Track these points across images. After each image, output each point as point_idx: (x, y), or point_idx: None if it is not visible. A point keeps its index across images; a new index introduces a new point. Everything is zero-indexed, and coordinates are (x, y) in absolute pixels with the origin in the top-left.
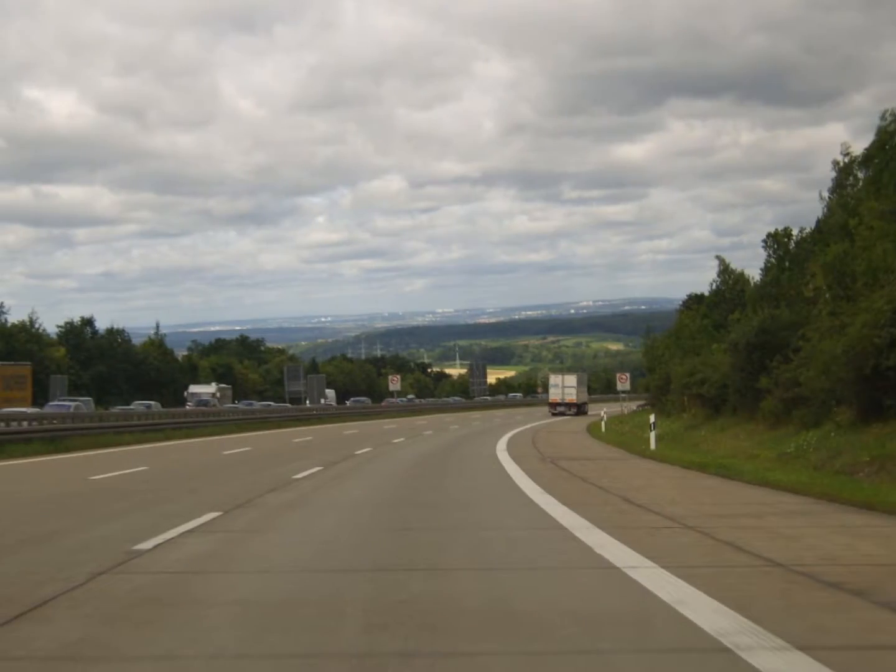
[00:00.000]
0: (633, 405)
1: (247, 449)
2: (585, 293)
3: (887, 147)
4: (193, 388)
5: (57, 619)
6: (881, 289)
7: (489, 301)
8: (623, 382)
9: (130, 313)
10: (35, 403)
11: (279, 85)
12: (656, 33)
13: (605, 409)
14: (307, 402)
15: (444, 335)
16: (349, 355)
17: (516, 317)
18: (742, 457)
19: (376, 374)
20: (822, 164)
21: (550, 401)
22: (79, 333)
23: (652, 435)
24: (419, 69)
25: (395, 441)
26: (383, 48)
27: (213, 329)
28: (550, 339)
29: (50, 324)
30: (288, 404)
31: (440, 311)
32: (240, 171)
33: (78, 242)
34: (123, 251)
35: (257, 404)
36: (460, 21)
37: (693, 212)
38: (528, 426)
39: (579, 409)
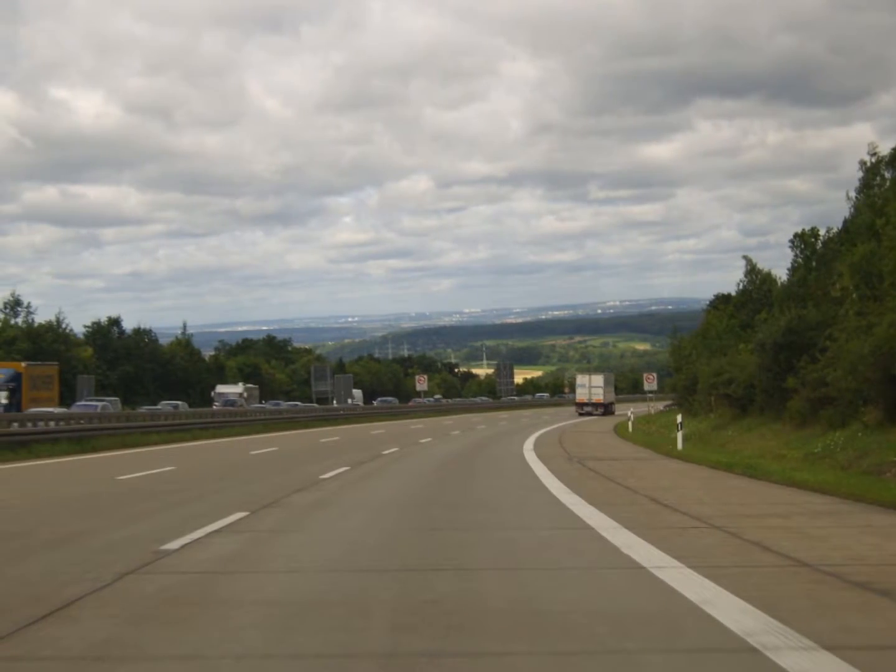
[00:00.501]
0: (660, 405)
1: (274, 449)
2: (612, 293)
3: None
4: (220, 388)
5: (84, 619)
6: None
7: (516, 301)
8: (650, 382)
9: (157, 313)
10: (62, 403)
11: (306, 85)
12: (683, 33)
13: (631, 409)
14: (334, 402)
15: (471, 335)
16: (376, 355)
17: (543, 317)
18: (769, 457)
19: (403, 374)
20: (849, 164)
21: (577, 401)
22: (106, 333)
23: (679, 435)
24: (446, 69)
25: (422, 441)
26: (410, 48)
27: (239, 329)
28: (577, 339)
29: (77, 324)
30: (315, 404)
31: (467, 311)
32: (267, 171)
33: (105, 242)
34: (150, 251)
35: (284, 404)
36: (487, 21)
37: (720, 212)
38: (555, 426)
39: (606, 409)
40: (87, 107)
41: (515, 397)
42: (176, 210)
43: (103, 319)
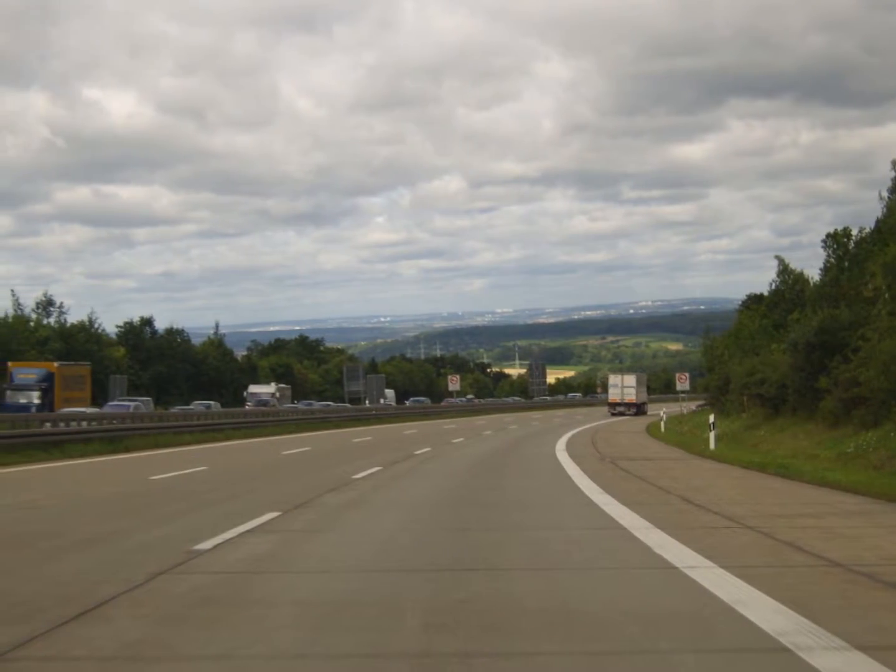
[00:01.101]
0: (693, 405)
1: (306, 449)
2: (645, 293)
3: None
4: (253, 388)
5: (116, 619)
6: None
7: (548, 301)
8: (682, 382)
9: (189, 313)
10: (95, 403)
11: (338, 85)
12: (716, 33)
13: (664, 409)
14: (366, 402)
15: (503, 335)
16: (408, 355)
17: (575, 317)
18: (801, 457)
19: (435, 374)
20: (881, 164)
21: (610, 401)
22: (138, 333)
23: (711, 435)
24: (478, 69)
25: (455, 441)
26: (442, 48)
27: (272, 329)
28: (610, 338)
29: (109, 324)
30: (347, 404)
31: (499, 310)
32: (299, 171)
33: (137, 242)
34: (182, 251)
35: (317, 404)
36: (520, 21)
37: (752, 212)
38: (588, 426)
39: (639, 409)
40: (120, 107)
41: (548, 397)
42: (208, 210)
43: (136, 319)
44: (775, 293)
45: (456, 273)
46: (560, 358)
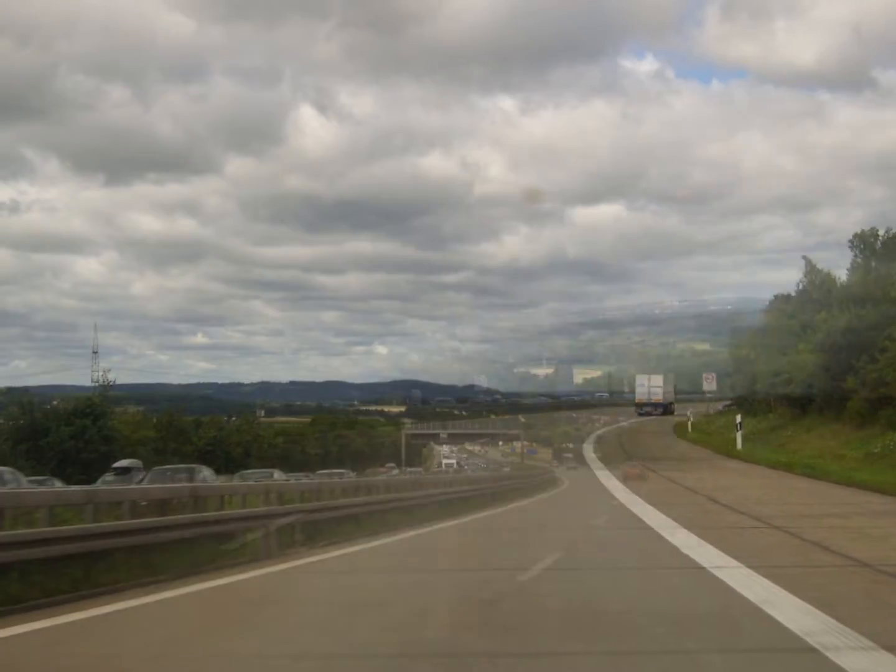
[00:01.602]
0: (719, 405)
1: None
2: (671, 293)
3: None
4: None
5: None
6: None
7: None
8: (709, 382)
9: None
10: None
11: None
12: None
13: (691, 409)
14: None
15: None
16: None
17: (601, 317)
18: (828, 457)
19: None
20: None
21: (637, 401)
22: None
23: (738, 435)
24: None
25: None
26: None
27: None
28: (636, 339)
29: None
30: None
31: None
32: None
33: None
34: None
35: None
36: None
37: (779, 211)
38: (614, 426)
39: (666, 408)
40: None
41: (575, 397)
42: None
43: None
44: (802, 293)
45: None
46: (587, 357)
